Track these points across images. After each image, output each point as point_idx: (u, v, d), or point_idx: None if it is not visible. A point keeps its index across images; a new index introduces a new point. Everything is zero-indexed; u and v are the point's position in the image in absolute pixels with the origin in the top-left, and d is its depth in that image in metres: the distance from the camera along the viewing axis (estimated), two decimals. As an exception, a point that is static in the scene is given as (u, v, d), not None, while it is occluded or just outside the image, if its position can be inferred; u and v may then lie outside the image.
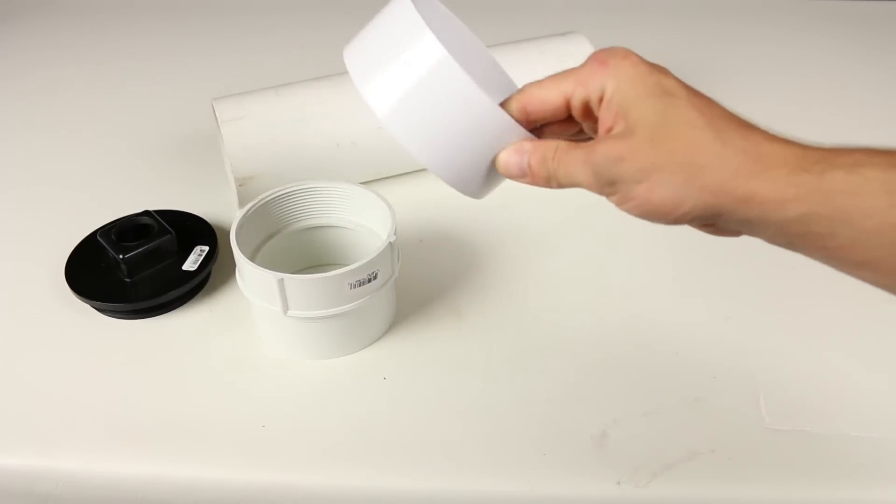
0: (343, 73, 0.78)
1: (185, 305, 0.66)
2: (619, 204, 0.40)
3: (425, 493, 0.53)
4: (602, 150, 0.40)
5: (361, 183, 0.66)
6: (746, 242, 0.71)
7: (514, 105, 0.43)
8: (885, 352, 0.61)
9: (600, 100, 0.41)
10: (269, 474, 0.54)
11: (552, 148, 0.42)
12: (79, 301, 0.65)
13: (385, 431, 0.56)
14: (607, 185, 0.40)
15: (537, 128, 0.45)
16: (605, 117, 0.41)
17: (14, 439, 0.56)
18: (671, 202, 0.38)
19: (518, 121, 0.42)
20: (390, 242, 0.59)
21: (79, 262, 0.67)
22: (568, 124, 0.45)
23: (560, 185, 0.42)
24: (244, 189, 0.71)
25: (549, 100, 0.42)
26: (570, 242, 0.72)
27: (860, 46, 1.04)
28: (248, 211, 0.62)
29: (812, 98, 0.93)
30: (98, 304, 0.65)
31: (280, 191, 0.64)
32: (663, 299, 0.66)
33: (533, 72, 0.78)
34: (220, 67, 1.00)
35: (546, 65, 0.78)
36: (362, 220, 0.65)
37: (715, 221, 0.39)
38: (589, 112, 0.42)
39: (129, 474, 0.55)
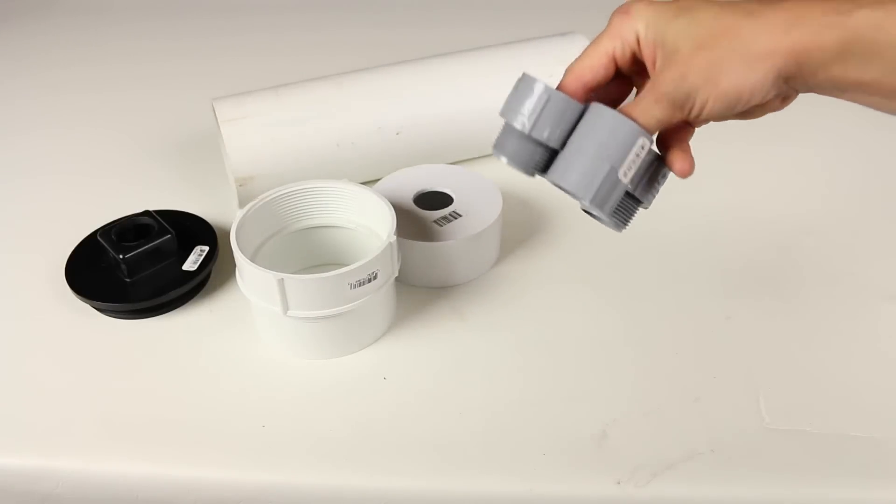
0: (343, 73, 0.79)
1: (185, 305, 0.66)
2: (702, 110, 0.43)
3: (425, 493, 0.53)
4: (663, 79, 0.43)
5: (361, 183, 0.66)
6: (745, 242, 0.72)
7: (570, 80, 0.47)
8: (885, 352, 0.61)
9: (638, 43, 0.45)
10: (269, 474, 0.54)
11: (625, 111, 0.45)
12: (79, 301, 0.65)
13: (385, 431, 0.56)
14: (686, 102, 0.43)
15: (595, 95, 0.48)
16: (647, 55, 0.45)
17: (14, 439, 0.56)
18: (741, 82, 0.42)
19: (577, 93, 0.46)
20: (390, 242, 0.59)
21: (79, 262, 0.67)
22: (621, 86, 0.49)
23: (654, 134, 0.45)
24: (244, 189, 0.71)
25: (596, 64, 0.46)
26: (571, 242, 0.72)
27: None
28: (248, 211, 0.62)
29: (812, 97, 0.93)
30: (98, 304, 0.65)
31: (280, 191, 0.64)
32: (663, 299, 0.66)
33: (533, 72, 0.78)
34: (220, 67, 1.00)
35: (546, 65, 0.79)
36: (362, 220, 0.65)
37: (785, 87, 0.43)
38: (636, 61, 0.46)
39: (129, 474, 0.55)
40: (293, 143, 0.72)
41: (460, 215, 0.67)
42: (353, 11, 1.14)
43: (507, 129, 0.48)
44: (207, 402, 0.58)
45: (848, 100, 0.44)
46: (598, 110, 0.45)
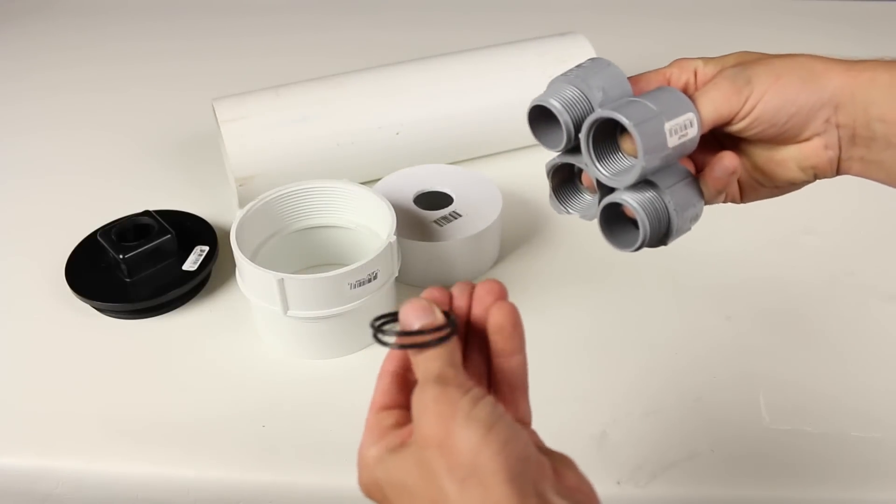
0: (343, 72, 0.79)
1: (185, 305, 0.66)
2: (757, 102, 0.43)
3: (425, 493, 0.53)
4: (727, 70, 0.44)
5: (361, 183, 0.66)
6: (745, 242, 0.72)
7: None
8: (885, 352, 0.61)
9: (695, 75, 0.46)
10: (269, 474, 0.54)
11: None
12: (79, 301, 0.65)
13: (385, 431, 0.56)
14: (745, 87, 0.43)
15: None
16: (703, 82, 0.46)
17: (14, 439, 0.56)
18: (799, 85, 0.43)
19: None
20: (390, 242, 0.59)
21: (79, 262, 0.67)
22: None
23: (706, 121, 0.44)
24: (244, 189, 0.71)
25: (651, 77, 0.47)
26: (571, 242, 0.72)
27: (860, 46, 1.04)
28: (248, 211, 0.62)
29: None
30: (98, 304, 0.65)
31: (280, 191, 0.64)
32: (663, 299, 0.66)
33: (533, 72, 0.79)
34: (220, 67, 1.00)
35: (546, 65, 0.79)
36: (362, 220, 0.65)
37: (834, 117, 0.43)
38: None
39: (129, 474, 0.55)
40: (293, 143, 0.72)
41: (460, 215, 0.67)
42: (353, 12, 1.14)
43: (558, 81, 0.46)
44: (207, 402, 0.58)
45: (889, 178, 0.45)
46: (658, 87, 0.45)
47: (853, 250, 0.71)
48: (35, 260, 0.70)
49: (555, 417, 0.57)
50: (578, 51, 0.79)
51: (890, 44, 1.05)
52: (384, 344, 0.35)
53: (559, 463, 0.34)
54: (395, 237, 0.59)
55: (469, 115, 0.77)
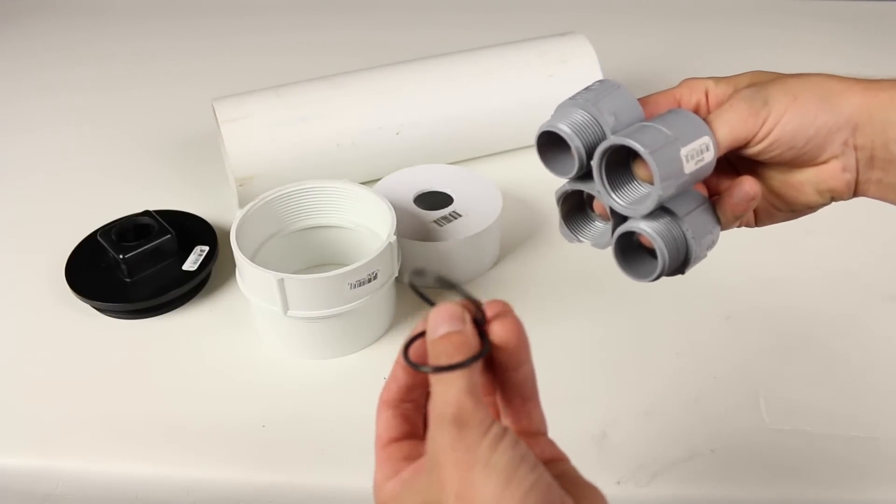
0: (343, 73, 0.79)
1: (185, 305, 0.66)
2: (776, 124, 0.42)
3: (425, 493, 0.53)
4: (742, 91, 0.43)
5: (361, 183, 0.66)
6: (745, 243, 0.72)
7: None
8: (885, 352, 0.61)
9: (706, 95, 0.45)
10: (269, 474, 0.54)
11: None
12: (79, 301, 0.65)
13: (385, 431, 0.56)
14: (762, 109, 0.42)
15: None
16: (715, 103, 0.44)
17: (14, 439, 0.56)
18: (817, 105, 0.42)
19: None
20: (390, 242, 0.59)
21: (79, 262, 0.67)
22: None
23: (722, 145, 0.42)
24: (244, 189, 0.71)
25: (660, 99, 0.45)
26: (570, 244, 0.72)
27: (860, 46, 1.04)
28: (248, 211, 0.62)
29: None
30: (98, 304, 0.65)
31: (280, 191, 0.64)
32: (663, 299, 0.66)
33: (533, 72, 0.79)
34: (221, 67, 1.00)
35: (546, 65, 0.79)
36: (362, 220, 0.65)
37: (852, 138, 0.42)
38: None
39: (129, 474, 0.55)
40: (293, 143, 0.72)
41: (460, 215, 0.67)
42: (354, 12, 1.14)
43: (566, 105, 0.43)
44: (207, 402, 0.58)
45: None
46: (671, 110, 0.43)
47: (853, 250, 0.71)
48: (35, 259, 0.70)
49: (555, 417, 0.57)
50: (578, 51, 0.79)
51: (890, 44, 1.05)
52: (415, 367, 0.34)
53: (584, 500, 0.32)
54: (395, 237, 0.59)
55: (469, 115, 0.77)
